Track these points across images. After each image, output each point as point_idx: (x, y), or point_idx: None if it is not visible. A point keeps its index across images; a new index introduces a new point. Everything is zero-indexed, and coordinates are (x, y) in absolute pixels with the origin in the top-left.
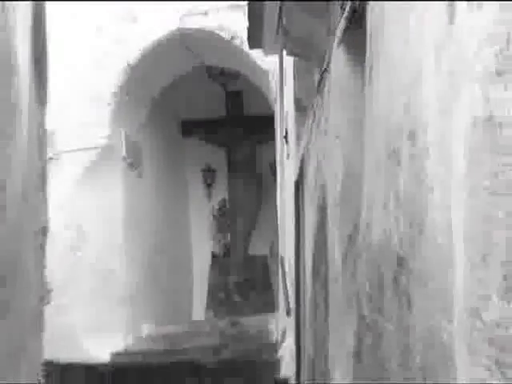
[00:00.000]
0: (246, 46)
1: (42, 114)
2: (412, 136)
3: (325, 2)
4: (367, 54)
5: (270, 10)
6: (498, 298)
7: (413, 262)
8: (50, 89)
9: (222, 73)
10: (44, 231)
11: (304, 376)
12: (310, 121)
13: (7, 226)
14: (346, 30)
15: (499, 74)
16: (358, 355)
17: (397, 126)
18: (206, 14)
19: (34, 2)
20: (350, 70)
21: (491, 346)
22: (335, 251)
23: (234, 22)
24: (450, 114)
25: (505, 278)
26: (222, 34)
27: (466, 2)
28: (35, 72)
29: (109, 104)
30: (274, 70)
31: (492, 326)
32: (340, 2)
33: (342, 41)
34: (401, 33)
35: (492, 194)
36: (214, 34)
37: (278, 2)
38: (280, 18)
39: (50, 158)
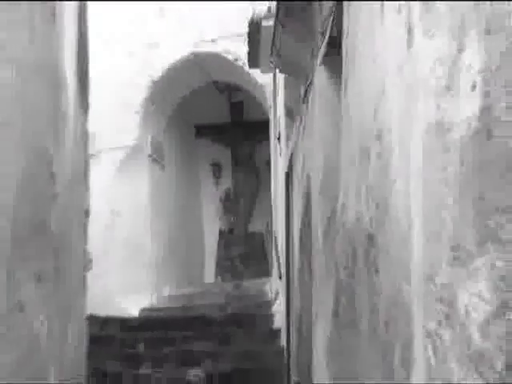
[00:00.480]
0: (246, 66)
1: (85, 120)
2: (379, 137)
3: (309, 31)
4: (343, 72)
5: (265, 38)
6: (446, 265)
7: (380, 238)
8: (92, 99)
9: (227, 87)
10: (86, 213)
11: (292, 327)
12: (298, 125)
13: (58, 210)
14: (326, 53)
15: (448, 88)
16: (335, 311)
17: (367, 129)
18: (214, 41)
19: (78, 21)
20: (329, 85)
21: (441, 303)
22: (318, 229)
23: (236, 48)
24: (409, 119)
25: (452, 249)
26: (228, 56)
27: (421, 31)
28: (79, 85)
29: (137, 112)
30: (269, 84)
31: (442, 288)
32: (321, 31)
33: (322, 62)
34: (369, 54)
35: (442, 184)
36: (220, 57)
37: (272, 32)
38: (273, 44)
39: (92, 155)
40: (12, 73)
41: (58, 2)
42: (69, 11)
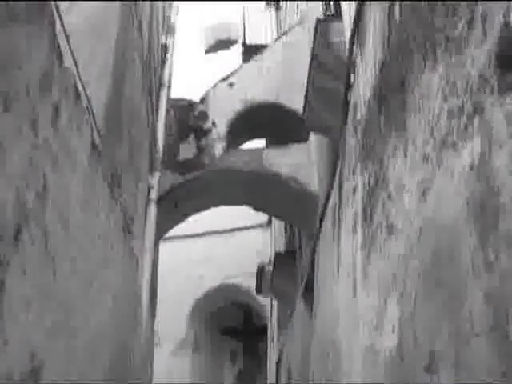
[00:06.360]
0: (254, 293)
1: (153, 322)
2: (334, 346)
3: (293, 277)
4: (314, 305)
5: (266, 277)
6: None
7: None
8: (158, 310)
9: (242, 305)
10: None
11: None
12: (285, 333)
13: (134, 376)
14: (304, 292)
15: (377, 327)
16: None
17: (327, 341)
18: (235, 277)
19: (152, 263)
20: (305, 311)
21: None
22: None
23: (249, 281)
24: (352, 341)
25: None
26: (243, 287)
27: (361, 288)
28: (150, 302)
29: (184, 319)
30: (268, 304)
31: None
32: (301, 277)
33: (301, 297)
34: (330, 297)
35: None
36: (239, 288)
37: (270, 276)
38: (271, 283)
39: (156, 344)
40: (111, 298)
41: (140, 257)
42: (146, 259)
